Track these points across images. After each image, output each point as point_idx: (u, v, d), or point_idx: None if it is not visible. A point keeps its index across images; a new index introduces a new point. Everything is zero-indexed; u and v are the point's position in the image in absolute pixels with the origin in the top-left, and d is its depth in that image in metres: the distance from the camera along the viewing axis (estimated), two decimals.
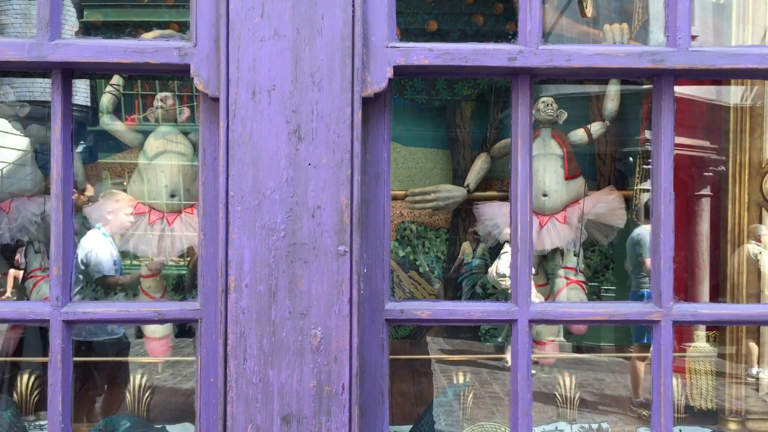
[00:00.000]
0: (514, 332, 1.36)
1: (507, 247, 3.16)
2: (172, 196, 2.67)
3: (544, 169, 2.80)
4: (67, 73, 1.35)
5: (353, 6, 1.25)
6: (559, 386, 2.74)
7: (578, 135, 2.94)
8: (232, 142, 1.25)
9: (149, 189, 2.66)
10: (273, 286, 1.25)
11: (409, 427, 2.49)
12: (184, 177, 2.72)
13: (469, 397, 2.58)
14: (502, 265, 3.00)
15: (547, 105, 2.84)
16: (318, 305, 1.25)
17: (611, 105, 2.91)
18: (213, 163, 1.31)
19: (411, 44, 1.29)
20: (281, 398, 1.25)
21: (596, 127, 2.99)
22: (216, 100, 1.28)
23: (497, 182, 2.87)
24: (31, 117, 2.99)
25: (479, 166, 2.88)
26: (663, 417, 1.37)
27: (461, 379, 2.58)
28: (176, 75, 2.31)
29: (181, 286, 2.67)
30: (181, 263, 2.81)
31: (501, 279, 2.95)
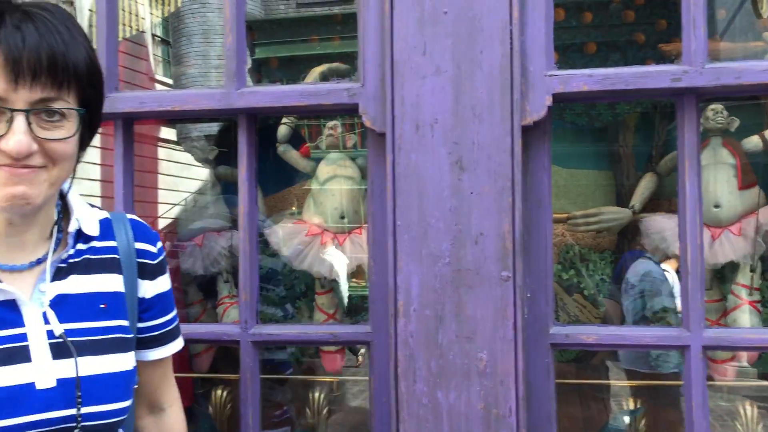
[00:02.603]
0: (687, 359, 1.30)
1: (666, 265, 2.99)
2: (342, 217, 2.79)
3: (715, 179, 2.63)
4: (251, 117, 1.47)
5: (511, 39, 1.27)
6: (739, 416, 2.54)
7: (752, 142, 2.74)
8: (398, 174, 1.31)
9: (321, 212, 2.81)
10: (439, 311, 1.28)
11: None
12: (351, 200, 2.84)
13: (642, 423, 2.45)
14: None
15: (717, 113, 2.67)
16: (483, 329, 1.27)
17: None
18: (381, 194, 1.37)
19: (570, 72, 1.29)
20: (450, 419, 1.28)
21: None
22: (382, 135, 1.34)
23: (665, 202, 2.75)
24: (218, 158, 3.26)
25: (644, 185, 2.77)
26: None
27: (632, 405, 2.47)
28: (344, 113, 2.43)
29: (351, 303, 2.78)
30: (353, 283, 2.93)
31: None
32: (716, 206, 2.61)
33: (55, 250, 1.03)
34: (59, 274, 1.02)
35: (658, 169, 2.86)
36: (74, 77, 0.94)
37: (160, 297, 1.17)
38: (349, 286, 3.01)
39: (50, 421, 0.94)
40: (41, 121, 0.92)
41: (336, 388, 2.88)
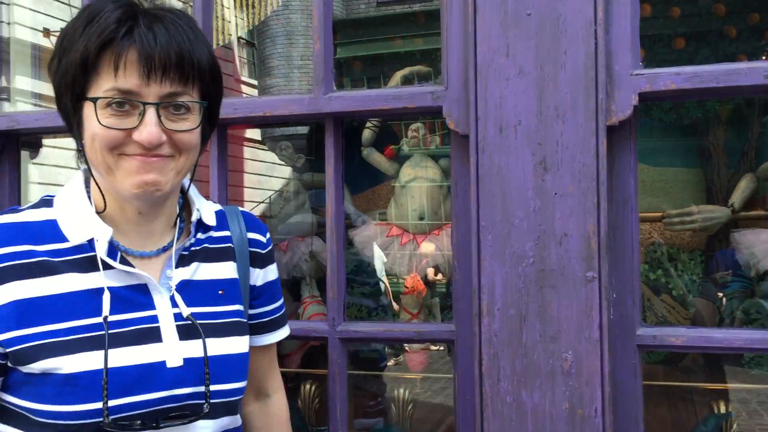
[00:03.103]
0: None
1: None
2: (421, 218, 2.82)
3: None
4: (338, 121, 1.51)
5: (596, 39, 1.26)
6: None
7: None
8: (481, 175, 1.31)
9: (401, 213, 2.84)
10: (523, 311, 1.29)
11: None
12: (431, 201, 2.86)
13: (733, 428, 2.37)
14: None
15: None
16: (568, 330, 1.26)
17: None
18: (464, 195, 1.38)
19: (656, 70, 1.26)
20: (535, 419, 1.28)
21: None
22: (466, 137, 1.35)
23: (759, 200, 2.63)
24: (281, 144, 3.34)
25: (744, 185, 2.66)
26: None
27: (722, 409, 2.38)
28: (428, 116, 2.46)
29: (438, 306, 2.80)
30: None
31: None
32: None
33: (178, 239, 1.10)
34: (182, 261, 1.09)
35: (758, 173, 2.75)
36: (198, 73, 1.01)
37: (269, 285, 1.24)
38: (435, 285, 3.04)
39: (178, 397, 1.00)
40: (169, 114, 0.99)
41: (419, 385, 2.91)
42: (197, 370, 1.02)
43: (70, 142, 1.12)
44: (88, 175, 1.08)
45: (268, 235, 1.25)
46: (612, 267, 1.31)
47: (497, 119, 1.30)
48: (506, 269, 1.29)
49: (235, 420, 1.13)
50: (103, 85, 0.97)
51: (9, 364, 0.98)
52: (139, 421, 0.97)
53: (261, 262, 1.22)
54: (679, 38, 2.86)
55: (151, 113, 0.97)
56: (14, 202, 1.69)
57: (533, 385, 1.27)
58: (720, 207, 2.68)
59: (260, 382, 1.28)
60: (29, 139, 2.04)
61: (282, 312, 1.28)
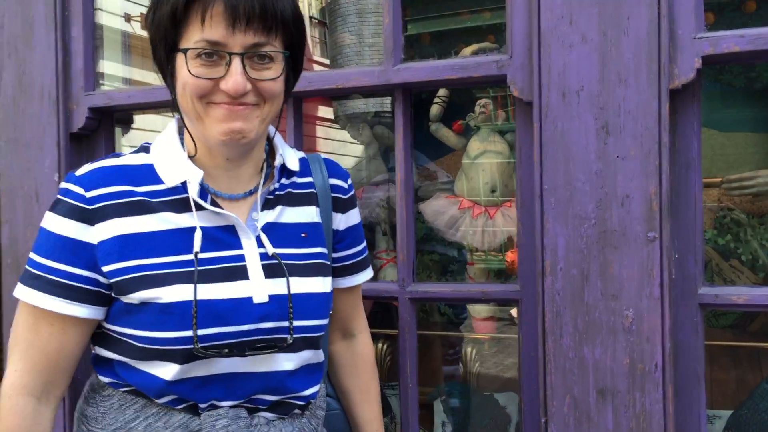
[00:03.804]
0: None
1: None
2: (492, 191, 2.83)
3: None
4: (407, 92, 1.55)
5: (659, 3, 1.25)
6: None
7: None
8: (545, 140, 1.34)
9: (472, 186, 2.86)
10: (585, 270, 1.31)
11: (730, 412, 2.33)
12: (501, 174, 2.87)
13: None
14: None
15: None
16: (629, 288, 1.28)
17: None
18: (528, 161, 1.41)
19: (720, 33, 1.25)
20: (596, 373, 1.31)
21: None
22: (530, 104, 1.37)
23: None
24: (352, 121, 3.39)
25: None
26: None
27: None
28: (493, 84, 2.47)
29: (502, 275, 2.82)
30: (500, 256, 2.97)
31: None
32: None
33: (264, 183, 1.14)
34: (267, 204, 1.12)
35: None
36: (281, 23, 1.02)
37: (351, 229, 1.27)
38: (498, 259, 3.05)
39: (264, 330, 1.05)
40: (254, 64, 1.02)
41: (488, 347, 2.96)
42: (281, 305, 1.07)
43: (155, 121, 1.19)
44: (181, 123, 1.13)
45: (349, 181, 1.28)
46: (674, 228, 1.32)
47: (560, 86, 1.32)
48: (569, 231, 1.32)
49: (318, 355, 1.17)
50: (193, 37, 1.00)
51: (113, 294, 1.05)
52: (226, 350, 1.03)
53: (343, 207, 1.24)
54: (750, 2, 2.76)
55: (236, 63, 1.00)
56: None
57: (595, 341, 1.30)
58: None
59: (346, 323, 1.33)
60: (122, 116, 2.17)
61: (365, 255, 1.31)
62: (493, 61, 1.41)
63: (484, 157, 2.84)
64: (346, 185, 1.26)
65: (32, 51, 1.73)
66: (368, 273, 1.33)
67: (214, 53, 1.00)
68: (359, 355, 1.34)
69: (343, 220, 1.25)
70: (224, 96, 1.01)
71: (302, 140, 1.67)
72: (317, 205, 1.20)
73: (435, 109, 3.03)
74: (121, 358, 1.07)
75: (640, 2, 1.26)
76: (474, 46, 2.88)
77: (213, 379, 1.05)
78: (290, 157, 1.17)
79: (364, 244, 1.32)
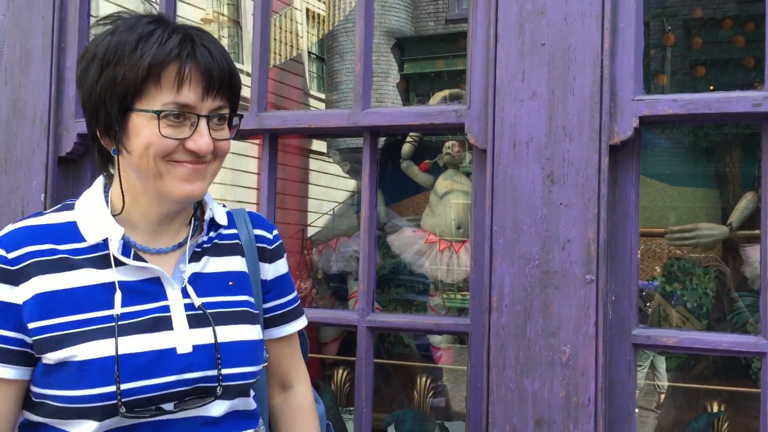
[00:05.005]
0: (764, 366, 1.30)
1: None
2: (458, 228, 2.91)
3: None
4: (374, 134, 1.62)
5: (602, 67, 1.33)
6: None
7: None
8: (496, 185, 1.40)
9: (438, 222, 2.94)
10: (528, 307, 1.37)
11: None
12: (467, 212, 2.95)
13: (724, 426, 2.38)
14: None
15: None
16: (567, 326, 1.34)
17: None
18: (481, 203, 1.47)
19: (656, 96, 1.33)
20: (534, 404, 1.35)
21: None
22: (484, 151, 1.44)
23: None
24: (345, 156, 3.49)
25: (744, 205, 2.67)
26: None
27: (716, 408, 2.40)
28: (453, 131, 2.55)
29: (464, 311, 2.88)
30: (458, 297, 3.03)
31: None
32: None
33: (192, 236, 1.12)
34: (195, 256, 1.10)
35: (760, 192, 2.75)
36: (239, 88, 1.06)
37: (280, 279, 1.23)
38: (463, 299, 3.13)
39: (189, 380, 1.01)
40: (213, 125, 1.03)
41: (443, 378, 3.00)
42: (208, 355, 1.03)
43: None
44: (107, 181, 1.11)
45: (275, 232, 1.25)
46: (612, 272, 1.38)
47: (512, 136, 1.39)
48: (514, 270, 1.38)
49: (248, 402, 1.13)
50: (160, 99, 0.99)
51: (35, 354, 1.00)
52: (153, 407, 0.99)
53: (269, 257, 1.22)
54: (699, 67, 2.88)
55: (204, 125, 1.01)
56: None
57: (534, 374, 1.35)
58: (719, 225, 2.70)
59: (284, 374, 1.27)
60: None
61: (296, 304, 1.27)
62: (453, 110, 1.49)
63: (452, 195, 2.93)
64: (270, 236, 1.23)
65: (28, 78, 1.78)
66: (301, 322, 1.28)
67: (182, 114, 1.00)
68: (298, 406, 1.27)
69: (270, 270, 1.22)
70: (188, 155, 1.01)
71: (275, 176, 1.72)
72: (243, 255, 1.17)
73: (407, 148, 3.12)
74: (43, 419, 1.02)
75: (585, 65, 1.34)
76: (446, 92, 2.98)
77: (137, 428, 1.01)
78: (219, 211, 1.17)
79: (295, 293, 1.28)
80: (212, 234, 1.15)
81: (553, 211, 1.34)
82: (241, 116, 1.10)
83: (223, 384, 1.04)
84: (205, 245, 1.13)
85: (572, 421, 1.32)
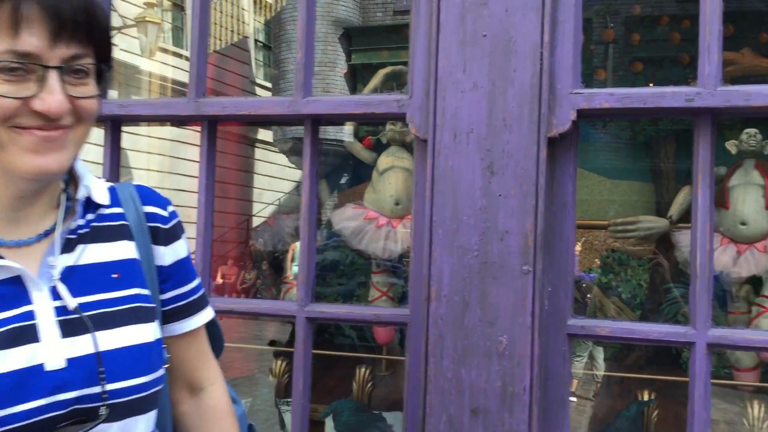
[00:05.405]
0: (692, 355, 1.34)
1: None
2: (397, 204, 2.92)
3: (744, 198, 2.64)
4: (315, 122, 1.60)
5: (541, 60, 1.34)
6: (747, 413, 2.52)
7: None
8: (436, 176, 1.40)
9: (378, 198, 2.95)
10: (466, 298, 1.37)
11: None
12: (406, 188, 2.97)
13: (654, 414, 2.47)
14: None
15: (751, 136, 2.68)
16: (504, 316, 1.35)
17: None
18: (422, 193, 1.46)
19: (593, 90, 1.35)
20: (471, 394, 1.36)
21: None
22: (425, 141, 1.44)
23: None
24: (294, 151, 3.47)
25: (682, 198, 2.77)
26: None
27: (647, 397, 2.48)
28: (394, 120, 2.55)
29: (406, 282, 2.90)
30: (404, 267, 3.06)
31: None
32: (743, 224, 2.62)
33: (63, 221, 0.90)
34: (68, 245, 0.89)
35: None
36: (105, 31, 0.86)
37: (179, 264, 1.02)
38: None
39: (63, 403, 0.82)
40: (70, 79, 0.82)
41: (385, 368, 3.01)
42: (87, 368, 0.84)
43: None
44: None
45: (170, 208, 1.03)
46: (549, 264, 1.39)
47: (452, 127, 1.39)
48: (453, 260, 1.38)
49: (148, 421, 0.92)
50: None
51: None
52: None
53: (165, 238, 1.00)
54: (637, 62, 2.95)
55: (54, 79, 0.80)
56: None
57: (471, 363, 1.36)
58: (660, 218, 2.79)
59: (191, 376, 1.07)
60: None
61: (200, 293, 1.07)
62: (394, 100, 1.48)
63: (392, 171, 2.94)
64: (166, 213, 1.01)
65: None
66: (207, 313, 1.08)
67: (23, 67, 0.79)
68: (211, 410, 1.07)
69: (168, 254, 1.00)
70: (37, 119, 0.80)
71: (214, 164, 1.68)
72: (131, 239, 0.95)
73: (350, 126, 3.13)
74: None
75: (526, 57, 1.35)
76: (388, 69, 2.99)
77: None
78: (97, 187, 0.95)
79: (198, 281, 1.07)
80: (90, 216, 0.93)
81: (493, 203, 1.35)
82: (109, 67, 0.87)
83: (110, 402, 0.84)
84: (80, 231, 0.91)
85: (507, 411, 1.33)
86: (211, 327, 1.11)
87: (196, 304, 1.06)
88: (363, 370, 2.76)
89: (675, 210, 2.78)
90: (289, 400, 2.52)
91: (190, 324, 1.05)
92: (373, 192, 3.01)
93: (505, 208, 1.34)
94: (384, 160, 3.03)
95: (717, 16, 1.28)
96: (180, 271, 1.03)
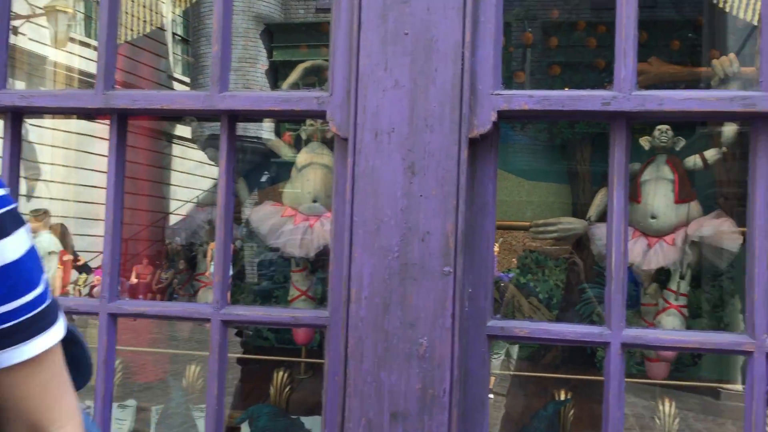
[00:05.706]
0: (608, 355, 1.37)
1: None
2: (314, 201, 2.88)
3: (655, 192, 2.76)
4: (232, 118, 1.54)
5: (463, 60, 1.34)
6: (658, 411, 2.63)
7: (692, 161, 2.91)
8: (357, 175, 1.37)
9: (296, 195, 2.90)
10: (387, 300, 1.35)
11: None
12: (325, 186, 2.94)
13: (571, 413, 2.54)
14: None
15: (662, 132, 2.80)
16: (425, 318, 1.33)
17: (727, 131, 2.82)
18: (342, 193, 1.43)
19: (513, 92, 1.35)
20: (391, 397, 1.34)
21: (711, 153, 2.91)
22: (346, 140, 1.41)
23: None
24: (211, 143, 3.38)
25: (600, 199, 2.87)
26: None
27: (563, 396, 2.55)
28: (314, 118, 2.52)
29: (325, 282, 2.87)
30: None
31: None
32: (653, 217, 2.74)
33: None
34: None
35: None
36: None
37: (7, 270, 0.76)
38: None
39: None
40: None
41: (304, 371, 2.96)
42: None
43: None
44: None
45: (1, 191, 0.78)
46: (469, 265, 1.39)
47: (373, 126, 1.36)
48: (374, 261, 1.35)
49: None
50: None
51: None
52: None
53: None
54: (555, 66, 3.03)
55: None
56: None
57: (392, 367, 1.34)
58: (580, 219, 2.88)
59: (34, 417, 0.80)
60: None
61: (42, 308, 0.79)
62: (314, 97, 1.44)
63: (310, 168, 2.90)
64: None
65: None
66: (54, 334, 0.80)
67: None
68: None
69: None
70: None
71: (124, 159, 1.60)
72: None
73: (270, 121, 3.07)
74: None
75: (447, 57, 1.34)
76: (308, 63, 2.94)
77: None
78: None
79: (41, 289, 0.79)
80: None
81: (414, 203, 1.33)
82: None
83: None
84: None
85: (427, 413, 1.32)
86: (71, 347, 0.86)
87: (35, 324, 0.78)
88: (281, 373, 2.71)
89: (593, 211, 2.87)
90: (202, 406, 2.43)
91: (27, 351, 0.77)
92: (292, 188, 2.96)
93: (426, 208, 1.33)
94: (303, 157, 2.98)
95: (633, 21, 1.31)
96: (11, 277, 0.76)
